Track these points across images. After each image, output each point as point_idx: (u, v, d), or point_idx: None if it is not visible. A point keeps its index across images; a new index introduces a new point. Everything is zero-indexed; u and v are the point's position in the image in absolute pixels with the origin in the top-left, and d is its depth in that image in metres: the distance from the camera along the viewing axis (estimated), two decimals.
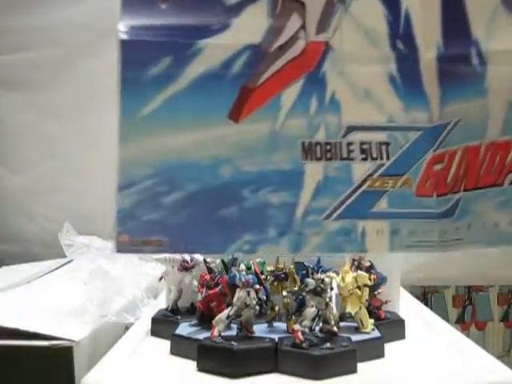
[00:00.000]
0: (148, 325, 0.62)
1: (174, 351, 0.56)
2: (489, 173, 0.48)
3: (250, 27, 0.50)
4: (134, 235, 0.48)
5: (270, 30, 0.50)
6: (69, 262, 0.89)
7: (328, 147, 0.50)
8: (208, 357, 0.51)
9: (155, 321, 0.62)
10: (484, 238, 0.48)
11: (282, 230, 0.48)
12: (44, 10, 1.02)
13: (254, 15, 0.50)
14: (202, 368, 0.51)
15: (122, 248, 0.48)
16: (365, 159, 0.50)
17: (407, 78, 0.51)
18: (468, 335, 0.69)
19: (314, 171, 0.49)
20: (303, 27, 0.51)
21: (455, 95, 0.50)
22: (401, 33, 0.51)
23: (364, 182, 0.49)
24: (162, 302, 0.68)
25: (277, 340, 0.53)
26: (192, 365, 0.52)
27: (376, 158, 0.50)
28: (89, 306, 0.63)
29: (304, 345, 0.50)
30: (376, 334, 0.55)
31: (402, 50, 0.51)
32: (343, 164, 0.49)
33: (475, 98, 0.50)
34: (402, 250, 0.49)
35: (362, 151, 0.50)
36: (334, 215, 0.49)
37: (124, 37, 0.48)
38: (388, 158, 0.50)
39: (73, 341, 0.55)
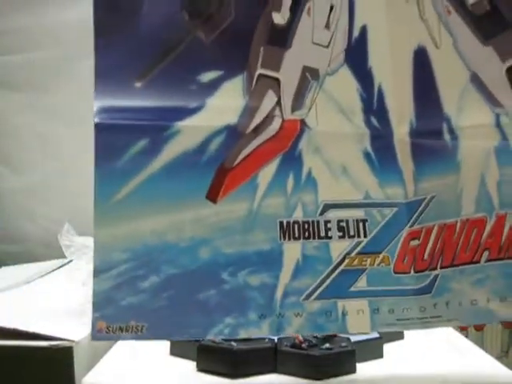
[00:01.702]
0: None
1: (174, 352, 0.57)
2: (465, 250, 0.50)
3: (225, 107, 0.51)
4: (111, 321, 0.48)
5: (245, 109, 0.51)
6: (68, 262, 0.88)
7: (306, 226, 0.50)
8: (208, 357, 0.53)
9: None
10: (461, 316, 0.49)
11: (262, 312, 0.49)
12: (44, 10, 1.02)
13: (230, 93, 0.52)
14: (201, 368, 0.53)
15: (99, 336, 0.48)
16: (342, 237, 0.50)
17: (382, 154, 0.52)
18: (466, 336, 0.70)
19: (293, 251, 0.50)
20: (279, 104, 0.52)
21: (429, 171, 0.52)
22: (374, 108, 0.53)
23: (342, 260, 0.50)
24: None
25: (276, 340, 0.54)
26: (192, 365, 0.54)
27: (353, 236, 0.50)
28: (89, 307, 0.63)
29: (303, 345, 0.52)
30: (375, 334, 0.57)
31: (376, 126, 0.52)
32: (321, 243, 0.50)
33: (448, 173, 0.51)
34: (384, 329, 0.49)
35: (340, 229, 0.51)
36: (314, 295, 0.49)
37: (98, 120, 0.48)
38: (365, 235, 0.50)
39: (73, 341, 0.55)
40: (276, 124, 0.51)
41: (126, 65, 0.51)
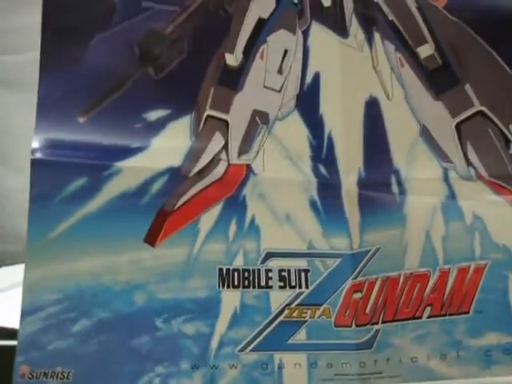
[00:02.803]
0: None
1: None
2: (407, 305, 0.49)
3: (170, 148, 0.50)
4: (36, 366, 0.46)
5: (190, 151, 0.51)
6: None
7: (246, 274, 0.49)
8: None
9: None
10: (402, 373, 0.48)
11: (195, 362, 0.47)
12: None
13: (176, 134, 0.51)
14: None
15: (21, 381, 0.46)
16: (283, 287, 0.50)
17: (328, 203, 0.52)
18: None
19: (231, 299, 0.49)
20: (225, 148, 0.51)
21: (375, 222, 0.51)
22: (323, 156, 0.52)
23: (282, 311, 0.49)
24: None
25: None
26: None
27: (295, 286, 0.50)
28: None
29: None
30: None
31: (324, 174, 0.52)
32: (261, 292, 0.49)
33: (394, 226, 0.51)
34: None
35: (281, 279, 0.50)
36: (251, 347, 0.48)
37: (35, 156, 0.47)
38: (307, 286, 0.50)
39: None
40: (221, 168, 0.51)
41: (69, 99, 0.51)
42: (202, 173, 0.50)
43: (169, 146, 0.50)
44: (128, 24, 0.53)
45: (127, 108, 0.51)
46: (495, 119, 0.52)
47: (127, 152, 0.49)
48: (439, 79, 0.53)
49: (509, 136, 0.52)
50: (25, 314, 0.47)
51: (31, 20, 1.02)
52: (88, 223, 0.48)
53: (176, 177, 0.50)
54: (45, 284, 0.47)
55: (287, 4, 0.55)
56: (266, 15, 0.54)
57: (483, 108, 0.52)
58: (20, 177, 1.05)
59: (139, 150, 0.50)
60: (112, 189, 0.49)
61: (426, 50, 0.54)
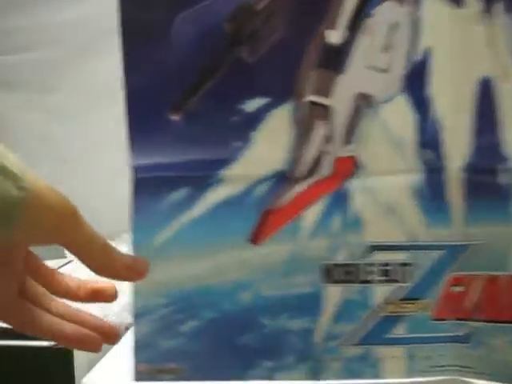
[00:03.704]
0: None
1: None
2: (509, 307, 0.50)
3: (272, 145, 0.48)
4: (152, 363, 0.49)
5: (294, 147, 0.48)
6: (69, 262, 0.90)
7: (348, 269, 0.50)
8: None
9: None
10: (494, 372, 0.50)
11: (299, 356, 0.50)
12: (46, 9, 1.02)
13: (276, 125, 0.49)
14: None
15: (141, 377, 0.49)
16: (385, 282, 0.50)
17: (432, 190, 0.50)
18: None
19: (333, 295, 0.50)
20: (329, 137, 0.49)
21: (481, 215, 0.50)
22: (428, 140, 0.50)
23: (383, 306, 0.50)
24: None
25: None
26: None
27: (396, 281, 0.50)
28: (88, 307, 0.66)
29: None
30: None
31: (429, 160, 0.50)
32: (362, 287, 0.50)
33: (502, 222, 0.50)
34: (418, 376, 0.51)
35: (383, 273, 0.50)
36: (352, 341, 0.50)
37: (136, 175, 0.46)
38: (408, 280, 0.50)
39: None
40: (328, 165, 0.49)
41: (158, 95, 0.47)
42: (309, 174, 0.49)
43: (270, 141, 0.48)
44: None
45: (222, 99, 0.48)
46: None
47: (227, 155, 0.48)
48: None
49: None
50: (138, 316, 0.49)
51: (31, 20, 0.95)
52: (191, 228, 0.48)
53: (281, 180, 0.48)
54: (153, 288, 0.48)
55: None
56: None
57: None
58: None
59: (240, 149, 0.48)
60: (215, 196, 0.48)
61: None
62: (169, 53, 0.47)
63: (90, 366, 0.55)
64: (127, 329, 0.65)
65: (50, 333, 0.39)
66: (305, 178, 0.49)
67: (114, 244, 0.41)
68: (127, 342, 0.59)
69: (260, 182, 0.48)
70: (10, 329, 0.59)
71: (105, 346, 0.60)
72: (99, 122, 0.97)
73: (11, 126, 1.05)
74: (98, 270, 0.38)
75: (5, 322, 0.39)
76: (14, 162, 0.34)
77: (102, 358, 0.57)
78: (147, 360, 0.49)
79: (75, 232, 0.36)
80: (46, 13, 1.01)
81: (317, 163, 0.49)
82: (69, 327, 0.39)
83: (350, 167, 0.49)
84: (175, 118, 0.47)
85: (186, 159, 0.47)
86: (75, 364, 0.58)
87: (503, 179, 0.50)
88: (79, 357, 0.58)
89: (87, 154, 1.02)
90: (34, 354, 0.58)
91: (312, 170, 0.49)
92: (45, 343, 0.57)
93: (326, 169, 0.49)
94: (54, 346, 0.56)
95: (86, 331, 0.39)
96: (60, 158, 1.04)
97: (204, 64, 0.48)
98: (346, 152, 0.49)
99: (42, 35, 1.02)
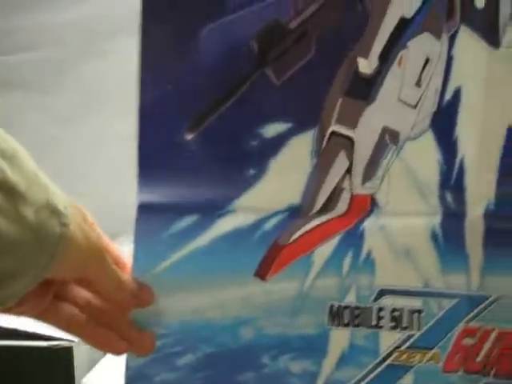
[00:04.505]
0: None
1: None
2: None
3: (289, 175, 0.45)
4: None
5: (311, 180, 0.46)
6: None
7: (357, 312, 0.47)
8: None
9: None
10: None
11: None
12: (47, 10, 1.02)
13: (296, 154, 0.46)
14: None
15: None
16: (394, 328, 0.48)
17: (450, 236, 0.48)
18: None
19: (340, 338, 0.47)
20: (349, 172, 0.46)
21: (499, 265, 0.48)
22: (452, 184, 0.48)
23: (391, 354, 0.48)
24: None
25: None
26: None
27: (406, 328, 0.48)
28: None
29: None
30: None
31: (450, 204, 0.48)
32: (371, 332, 0.48)
33: None
34: None
35: (393, 319, 0.48)
36: None
37: (141, 200, 0.43)
38: (419, 328, 0.48)
39: (72, 341, 0.57)
40: (344, 201, 0.46)
41: (173, 113, 0.44)
42: (324, 210, 0.46)
43: (288, 171, 0.45)
44: (245, 13, 0.45)
45: (242, 120, 0.45)
46: None
47: (241, 184, 0.45)
48: None
49: None
50: None
51: (31, 20, 0.95)
52: (195, 259, 0.45)
53: (294, 215, 0.45)
54: (150, 318, 0.45)
55: (435, 1, 0.46)
56: (409, 14, 0.46)
57: None
58: None
59: (255, 178, 0.45)
60: (224, 226, 0.45)
61: None
62: (189, 68, 0.44)
63: (90, 366, 0.56)
64: None
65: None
66: (319, 214, 0.46)
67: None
68: None
69: (273, 215, 0.45)
70: (10, 329, 0.57)
71: None
72: (99, 122, 0.95)
73: (11, 126, 1.02)
74: (107, 299, 0.41)
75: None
76: (59, 196, 0.36)
77: (102, 358, 0.57)
78: None
79: (99, 271, 0.39)
80: (46, 13, 1.01)
81: (333, 199, 0.46)
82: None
83: (366, 206, 0.47)
84: (190, 137, 0.44)
85: (196, 185, 0.44)
86: (75, 364, 0.57)
87: None
88: (79, 357, 0.57)
89: (87, 154, 1.00)
90: (33, 354, 0.57)
91: (327, 206, 0.46)
92: (44, 343, 0.56)
93: (342, 206, 0.46)
94: (53, 346, 0.56)
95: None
96: (60, 157, 1.01)
97: (226, 82, 0.45)
98: (364, 189, 0.47)
99: (43, 35, 1.01)
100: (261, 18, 0.45)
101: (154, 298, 0.44)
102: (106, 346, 0.43)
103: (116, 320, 0.43)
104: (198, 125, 0.44)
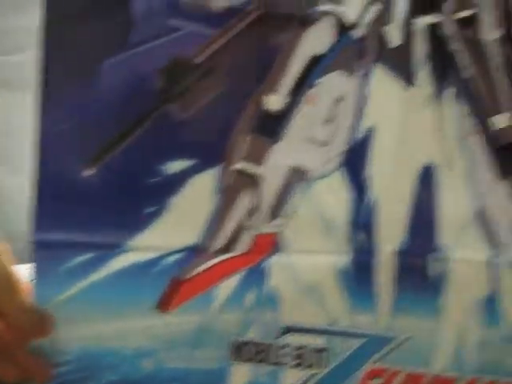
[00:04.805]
0: None
1: None
2: None
3: (189, 214, 0.45)
4: None
5: (212, 219, 0.45)
6: None
7: (260, 348, 0.47)
8: None
9: None
10: None
11: None
12: None
13: (198, 192, 0.46)
14: None
15: None
16: (298, 366, 0.48)
17: (359, 274, 0.48)
18: None
19: (241, 374, 0.48)
20: (254, 211, 0.46)
21: (408, 307, 0.47)
22: (362, 222, 0.47)
23: None
24: None
25: None
26: None
27: (311, 366, 0.48)
28: None
29: None
30: None
31: (360, 242, 0.47)
32: (273, 369, 0.48)
33: (429, 317, 0.47)
34: None
35: (297, 357, 0.48)
36: None
37: (37, 238, 0.43)
38: (323, 366, 0.48)
39: None
40: (246, 241, 0.46)
41: (73, 146, 0.44)
42: (225, 249, 0.46)
43: (188, 210, 0.45)
44: (149, 47, 0.44)
45: (142, 157, 0.45)
46: None
47: (139, 222, 0.45)
48: (510, 157, 0.46)
49: None
50: None
51: (31, 20, 0.92)
52: (94, 291, 0.45)
53: (193, 253, 0.45)
54: (53, 345, 0.46)
55: (347, 40, 0.45)
56: (320, 51, 0.45)
57: None
58: (20, 177, 0.99)
59: (153, 216, 0.45)
60: (120, 263, 0.45)
61: (502, 121, 0.45)
62: (90, 102, 0.44)
63: None
64: None
65: None
66: (220, 252, 0.46)
67: None
68: None
69: (171, 253, 0.45)
70: None
71: None
72: None
73: (10, 126, 1.03)
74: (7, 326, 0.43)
75: None
76: None
77: None
78: None
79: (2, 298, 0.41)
80: None
81: (235, 238, 0.46)
82: None
83: (270, 244, 0.46)
84: (88, 173, 0.44)
85: (93, 222, 0.44)
86: None
87: (433, 270, 0.47)
88: None
89: None
90: None
91: (229, 246, 0.46)
92: None
93: (244, 245, 0.46)
94: None
95: None
96: None
97: (128, 118, 0.44)
98: (269, 228, 0.46)
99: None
100: (165, 53, 0.44)
101: (54, 327, 0.45)
102: None
103: (13, 347, 0.44)
104: (96, 161, 0.44)
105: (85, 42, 0.44)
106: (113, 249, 0.45)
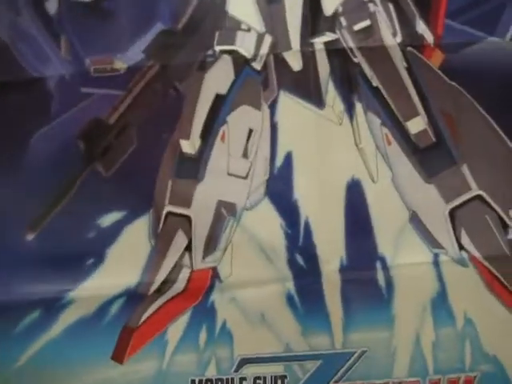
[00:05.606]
0: None
1: None
2: None
3: (127, 259, 0.48)
4: None
5: (150, 261, 0.48)
6: None
7: None
8: None
9: None
10: None
11: None
12: None
13: (133, 239, 0.48)
14: None
15: None
16: None
17: (307, 296, 0.49)
18: None
19: None
20: (188, 249, 0.48)
21: (360, 320, 0.48)
22: (300, 245, 0.48)
23: None
24: None
25: None
26: None
27: None
28: None
29: None
30: None
31: (302, 265, 0.48)
32: None
33: (382, 328, 0.48)
34: None
35: None
36: None
37: None
38: None
39: None
40: (183, 279, 0.48)
41: (14, 212, 0.47)
42: (162, 289, 0.48)
43: (124, 257, 0.47)
44: (68, 115, 0.48)
45: (78, 215, 0.48)
46: (494, 205, 0.46)
47: (80, 274, 0.47)
48: (432, 159, 0.47)
49: (507, 221, 0.46)
50: None
51: None
52: (52, 348, 0.48)
53: (134, 297, 0.47)
54: None
55: (248, 73, 0.47)
56: (223, 90, 0.47)
57: (482, 192, 0.46)
58: None
59: (93, 266, 0.47)
60: (68, 317, 0.47)
61: (417, 124, 0.46)
62: (22, 173, 0.48)
63: None
64: None
65: None
66: (158, 293, 0.48)
67: None
68: None
69: (112, 300, 0.47)
70: None
71: None
72: None
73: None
74: None
75: None
76: None
77: None
78: None
79: None
80: None
81: (172, 277, 0.48)
82: None
83: (207, 280, 0.48)
84: (29, 237, 0.47)
85: (37, 281, 0.47)
86: None
87: (381, 280, 0.48)
88: None
89: None
90: None
91: (165, 285, 0.48)
92: None
93: (180, 283, 0.48)
94: None
95: None
96: None
97: (59, 182, 0.48)
98: (205, 264, 0.48)
99: None
100: (83, 118, 0.48)
101: None
102: None
103: None
104: (36, 225, 0.47)
105: (12, 123, 0.48)
106: (57, 302, 0.47)
